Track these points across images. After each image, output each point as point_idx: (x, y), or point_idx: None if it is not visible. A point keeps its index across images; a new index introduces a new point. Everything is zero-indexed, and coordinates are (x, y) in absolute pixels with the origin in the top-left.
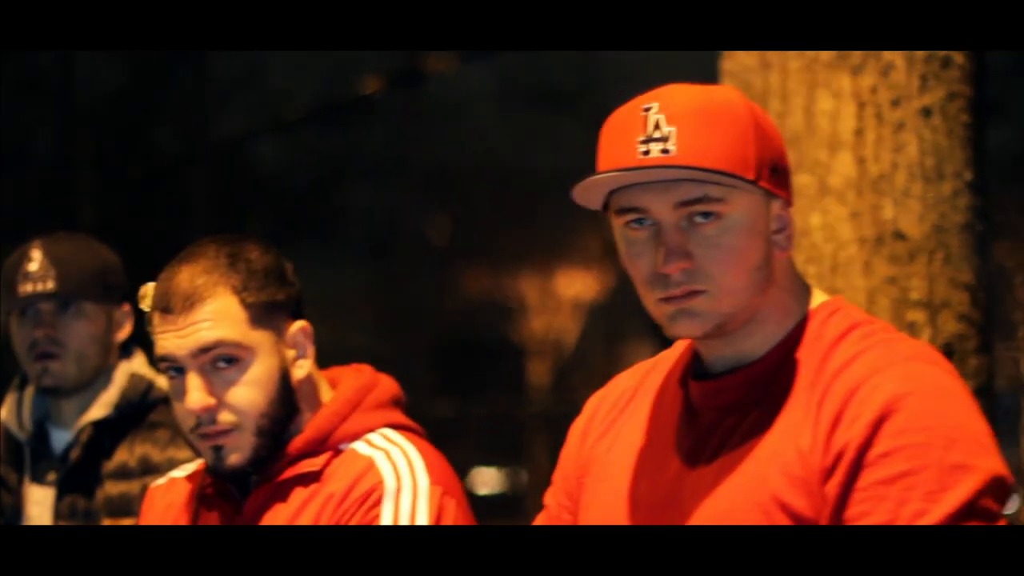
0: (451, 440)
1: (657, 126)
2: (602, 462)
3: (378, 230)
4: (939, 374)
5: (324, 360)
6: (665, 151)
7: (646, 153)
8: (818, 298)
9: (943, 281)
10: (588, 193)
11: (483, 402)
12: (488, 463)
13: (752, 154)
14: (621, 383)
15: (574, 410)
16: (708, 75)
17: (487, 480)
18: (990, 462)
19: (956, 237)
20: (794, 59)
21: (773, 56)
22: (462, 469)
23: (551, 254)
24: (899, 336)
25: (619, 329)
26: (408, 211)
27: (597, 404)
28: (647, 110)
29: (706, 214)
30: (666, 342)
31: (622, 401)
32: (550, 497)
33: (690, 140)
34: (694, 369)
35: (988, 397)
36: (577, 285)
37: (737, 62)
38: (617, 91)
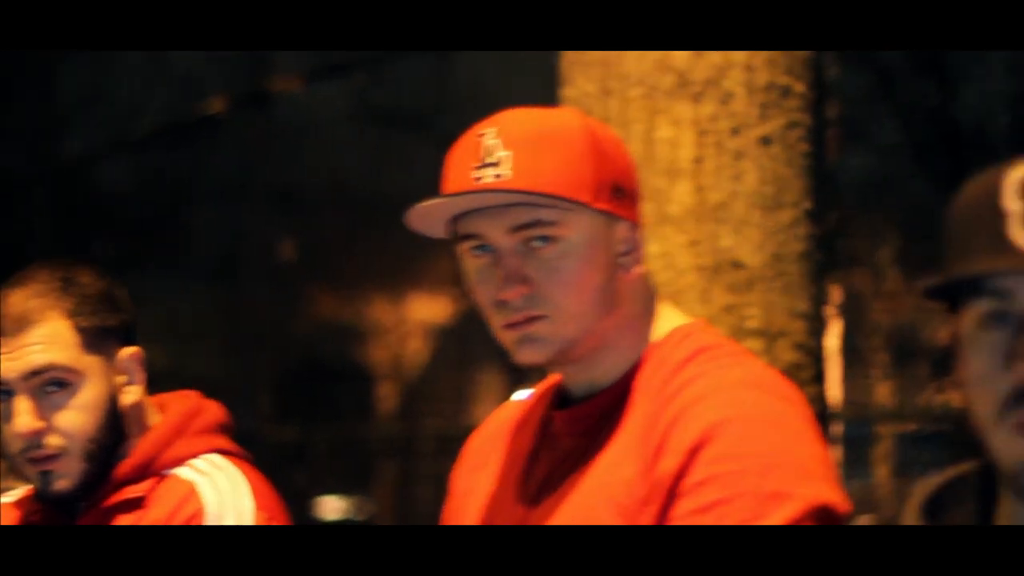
0: (297, 466)
1: (492, 151)
2: (473, 495)
3: (224, 252)
4: (766, 399)
5: (167, 384)
6: (498, 176)
7: (480, 179)
8: (674, 320)
9: (780, 310)
10: (426, 221)
11: (329, 427)
12: (334, 489)
13: (589, 176)
14: (497, 417)
15: (421, 436)
16: (553, 100)
17: (333, 507)
18: (812, 490)
19: (794, 266)
20: (634, 87)
21: (613, 83)
22: (307, 495)
23: (400, 278)
24: (741, 360)
25: (469, 354)
26: (255, 233)
27: (477, 437)
28: (483, 135)
29: (543, 238)
30: (515, 369)
31: (497, 434)
32: None
33: (523, 164)
34: (560, 397)
35: (823, 426)
36: (426, 309)
37: (577, 89)
38: (470, 113)
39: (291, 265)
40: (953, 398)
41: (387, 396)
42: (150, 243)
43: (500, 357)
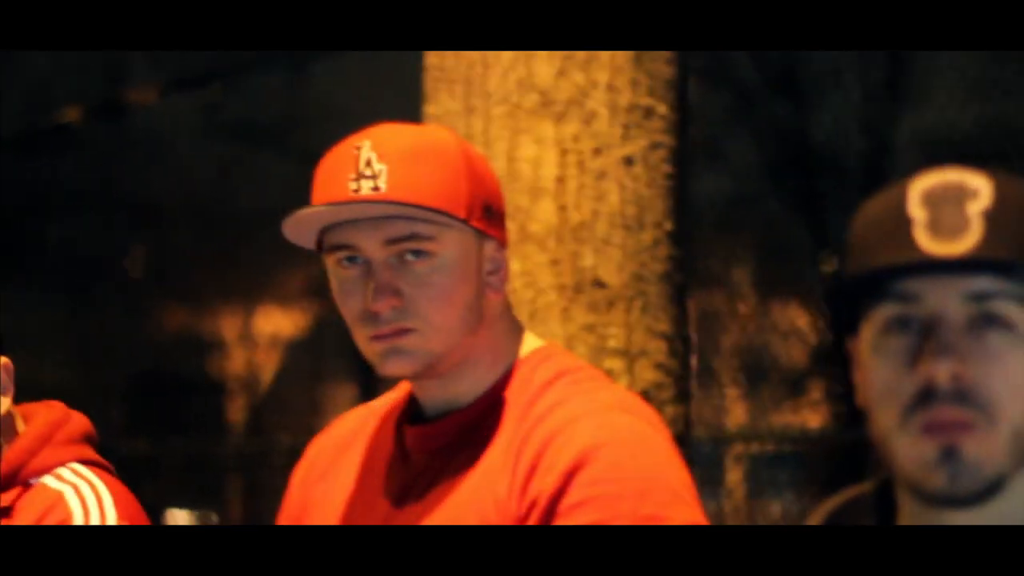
0: (145, 479)
1: (368, 163)
2: (318, 505)
3: (76, 263)
4: (637, 424)
5: (19, 395)
6: (375, 188)
7: (357, 190)
8: (531, 343)
9: (641, 330)
10: (299, 230)
11: (179, 440)
12: (183, 503)
13: (464, 193)
14: (342, 425)
15: (271, 450)
16: (415, 117)
17: (181, 521)
18: (685, 513)
19: (655, 286)
20: (498, 105)
21: (477, 101)
22: (156, 509)
23: (252, 291)
24: (604, 384)
25: (319, 368)
26: (107, 244)
27: (318, 448)
28: (359, 148)
29: (417, 252)
30: (367, 383)
31: (342, 443)
32: None
33: (400, 177)
34: (410, 412)
35: (685, 446)
36: (278, 322)
37: (441, 106)
38: (324, 127)
39: (143, 277)
40: (806, 419)
41: (238, 409)
42: (1, 253)
43: (351, 370)
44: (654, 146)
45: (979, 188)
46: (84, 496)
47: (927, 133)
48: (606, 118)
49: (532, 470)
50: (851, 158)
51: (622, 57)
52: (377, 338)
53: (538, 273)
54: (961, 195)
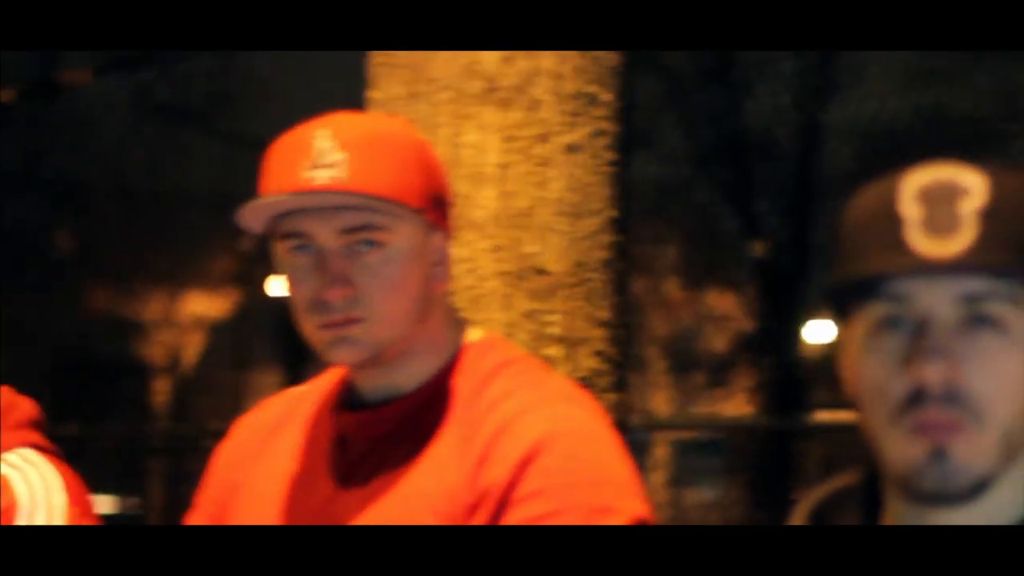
0: (71, 462)
1: (326, 152)
2: (249, 487)
3: (2, 242)
4: (587, 415)
5: None
6: (333, 177)
7: (313, 179)
8: (473, 333)
9: (582, 317)
10: (252, 217)
11: (104, 424)
12: (107, 486)
13: (418, 184)
14: (271, 408)
15: (196, 433)
16: (357, 102)
17: (104, 505)
18: (634, 504)
19: (596, 274)
20: (442, 91)
21: (421, 87)
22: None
23: (178, 273)
24: (551, 375)
25: (244, 351)
26: (34, 224)
27: (246, 427)
28: (317, 136)
29: (369, 242)
30: (292, 366)
31: (271, 425)
32: (193, 519)
33: (358, 167)
34: (347, 398)
35: (624, 434)
36: (204, 306)
37: (385, 92)
38: (255, 108)
39: (70, 257)
40: (732, 406)
41: (162, 393)
42: None
43: (276, 353)
44: (598, 133)
45: (973, 185)
46: (31, 480)
47: (858, 121)
48: (551, 105)
49: (483, 459)
50: (782, 146)
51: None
52: (327, 326)
53: (480, 260)
54: (954, 193)
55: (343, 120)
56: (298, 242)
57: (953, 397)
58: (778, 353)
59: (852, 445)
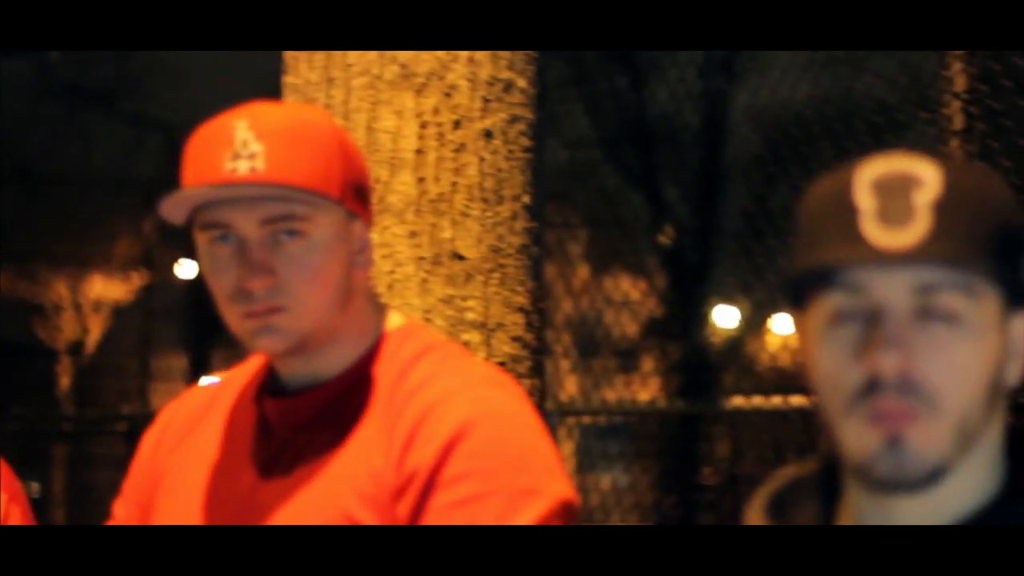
0: None
1: (246, 143)
2: (174, 474)
3: None
4: (511, 399)
5: None
6: (253, 168)
7: (234, 170)
8: (394, 319)
9: (499, 303)
10: (173, 208)
11: (5, 407)
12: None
13: (338, 174)
14: (196, 396)
15: (99, 418)
16: (266, 85)
17: None
18: (558, 486)
19: (512, 259)
20: (358, 76)
21: (337, 72)
22: None
23: (81, 256)
24: (473, 360)
25: (149, 335)
26: None
27: (171, 415)
28: (235, 127)
29: (291, 232)
30: (197, 351)
31: (197, 413)
32: (119, 507)
33: (279, 158)
34: (270, 386)
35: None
36: (107, 290)
37: (300, 76)
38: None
39: None
40: (638, 392)
41: (66, 377)
42: None
43: (180, 338)
44: (513, 119)
45: (927, 177)
46: None
47: (762, 108)
48: (466, 91)
49: (409, 442)
50: (687, 132)
51: None
52: (249, 315)
53: (397, 245)
54: (908, 184)
55: (262, 110)
56: (219, 232)
57: (908, 386)
58: (686, 338)
59: (761, 430)
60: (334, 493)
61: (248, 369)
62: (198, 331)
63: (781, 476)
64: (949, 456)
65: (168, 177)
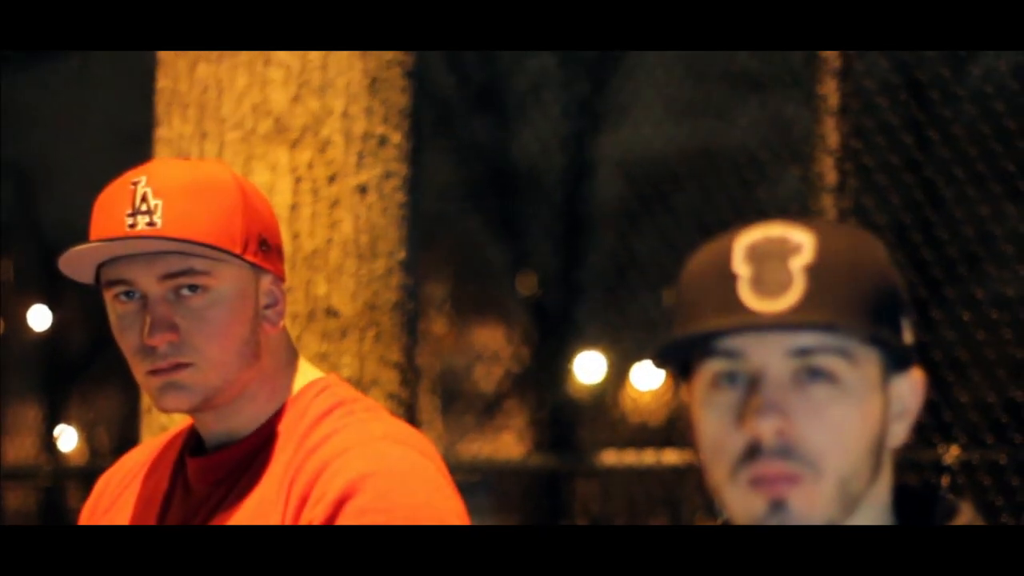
0: None
1: (144, 199)
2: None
3: None
4: (409, 453)
5: None
6: (151, 224)
7: (132, 226)
8: (309, 374)
9: (374, 359)
10: (76, 266)
11: None
12: None
13: (239, 228)
14: (130, 459)
15: None
16: (128, 127)
17: None
18: None
19: (388, 315)
20: (231, 131)
21: (210, 125)
22: None
23: None
24: (379, 415)
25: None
26: None
27: (105, 481)
28: (136, 183)
29: (192, 287)
30: (51, 402)
31: (129, 476)
32: None
33: (176, 213)
34: (192, 444)
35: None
36: None
37: (173, 130)
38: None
39: None
40: (502, 446)
41: None
42: None
43: (35, 388)
44: (388, 175)
45: (802, 243)
46: None
47: (627, 153)
48: (340, 146)
49: (303, 500)
50: (551, 177)
51: (357, 85)
52: (154, 372)
53: None
54: (784, 250)
55: (163, 166)
56: (122, 288)
57: (788, 450)
58: (549, 391)
59: (625, 485)
60: None
61: (175, 430)
62: (52, 380)
63: None
64: (833, 517)
65: (21, 222)
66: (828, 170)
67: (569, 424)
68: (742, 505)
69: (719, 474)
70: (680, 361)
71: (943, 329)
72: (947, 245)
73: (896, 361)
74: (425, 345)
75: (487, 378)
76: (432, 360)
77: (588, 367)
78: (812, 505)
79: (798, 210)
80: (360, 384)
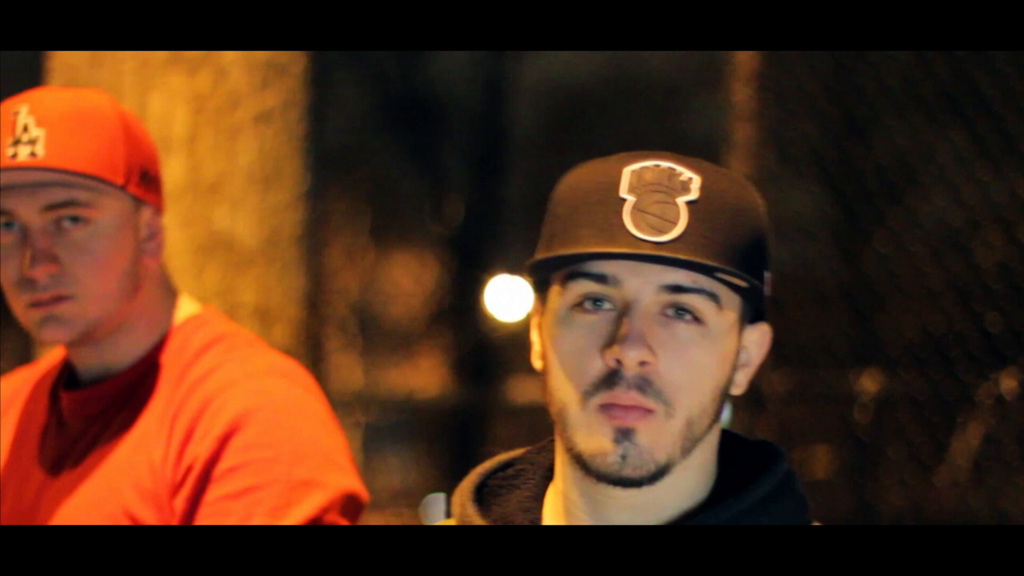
0: None
1: (26, 128)
2: None
3: None
4: (293, 388)
5: None
6: (33, 154)
7: (14, 156)
8: (189, 309)
9: (277, 290)
10: None
11: None
12: None
13: (121, 159)
14: (4, 387)
15: None
16: (28, 63)
17: None
18: (340, 478)
19: (290, 246)
20: (128, 59)
21: (105, 55)
22: None
23: None
24: (260, 350)
25: None
26: None
27: None
28: (17, 113)
29: (74, 218)
30: None
31: (4, 405)
32: None
33: (58, 143)
34: (66, 378)
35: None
36: None
37: (65, 59)
38: None
39: None
40: (417, 382)
41: None
42: None
43: None
44: (288, 103)
45: (690, 180)
46: None
47: (541, 82)
48: (240, 74)
49: (188, 436)
50: (464, 108)
51: None
52: (34, 304)
53: (171, 233)
54: (672, 185)
55: (45, 95)
56: (3, 220)
57: (646, 383)
58: (469, 322)
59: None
60: (115, 488)
61: (48, 362)
62: None
63: (493, 460)
64: (674, 456)
65: None
66: (745, 98)
67: (488, 353)
68: (588, 430)
69: (568, 395)
70: (540, 275)
71: (863, 261)
72: (866, 176)
73: (752, 311)
74: (340, 279)
75: (401, 313)
76: (349, 293)
77: (505, 299)
78: (658, 440)
79: (719, 137)
80: (263, 317)
